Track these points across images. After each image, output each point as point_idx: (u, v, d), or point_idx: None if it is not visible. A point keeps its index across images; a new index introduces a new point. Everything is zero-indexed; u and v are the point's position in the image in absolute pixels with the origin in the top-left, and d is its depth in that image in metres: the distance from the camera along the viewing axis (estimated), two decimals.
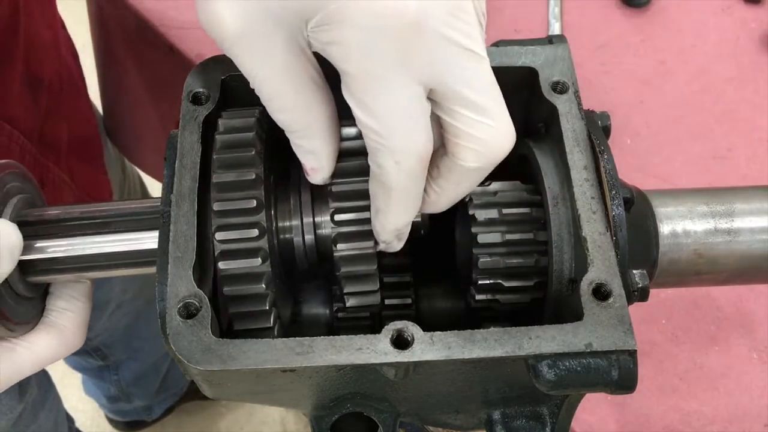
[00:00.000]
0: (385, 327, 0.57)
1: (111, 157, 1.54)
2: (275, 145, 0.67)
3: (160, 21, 1.29)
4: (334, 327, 0.74)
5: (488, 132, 0.56)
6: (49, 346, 0.68)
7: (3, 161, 0.66)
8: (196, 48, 1.26)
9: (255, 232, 0.60)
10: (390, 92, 0.54)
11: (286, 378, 0.59)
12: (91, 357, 1.89)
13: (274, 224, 0.65)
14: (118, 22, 1.39)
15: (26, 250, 0.63)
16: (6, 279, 0.62)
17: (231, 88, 0.67)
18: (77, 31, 1.31)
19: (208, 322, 0.57)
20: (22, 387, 1.23)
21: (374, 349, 0.56)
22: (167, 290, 0.59)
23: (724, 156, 1.20)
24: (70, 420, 1.59)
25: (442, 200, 0.62)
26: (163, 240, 0.61)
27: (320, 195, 0.66)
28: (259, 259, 0.60)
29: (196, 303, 0.58)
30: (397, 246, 0.64)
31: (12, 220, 0.64)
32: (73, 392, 2.30)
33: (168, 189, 0.63)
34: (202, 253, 0.62)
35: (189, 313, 0.58)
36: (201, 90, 0.66)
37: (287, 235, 0.66)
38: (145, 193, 1.78)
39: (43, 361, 0.68)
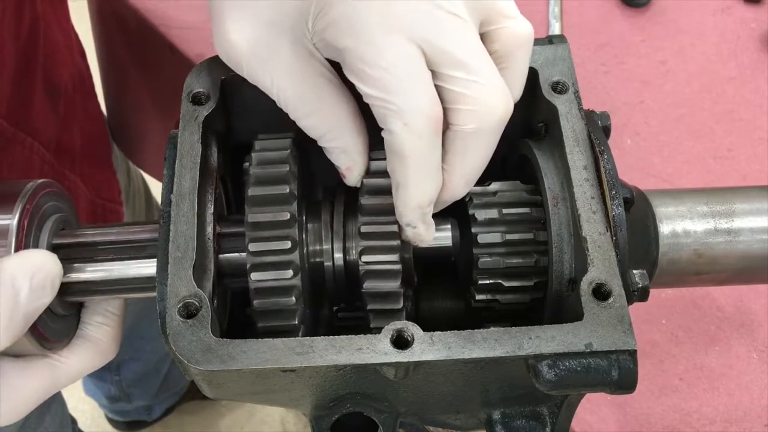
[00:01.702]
0: (385, 327, 0.57)
1: (117, 159, 1.54)
2: (306, 175, 0.68)
3: (160, 21, 1.29)
4: (334, 327, 0.74)
5: (480, 91, 0.57)
6: (85, 360, 0.68)
7: (40, 181, 0.66)
8: (197, 48, 1.26)
9: (287, 245, 0.61)
10: (384, 54, 0.56)
11: (286, 378, 0.58)
12: None
13: (305, 248, 0.66)
14: (118, 22, 1.39)
15: (64, 272, 0.63)
16: None
17: (231, 88, 0.68)
18: (78, 30, 1.31)
19: (208, 322, 0.57)
20: None
21: (374, 349, 0.56)
22: (167, 290, 0.59)
23: (724, 156, 1.20)
24: (73, 421, 1.59)
25: (454, 179, 0.60)
26: (163, 240, 0.61)
27: (351, 222, 0.66)
28: (291, 271, 0.61)
29: (196, 303, 0.58)
30: (425, 234, 0.62)
31: (49, 242, 0.65)
32: (73, 392, 2.30)
33: (168, 189, 0.63)
34: (202, 253, 0.62)
35: (189, 313, 0.58)
36: (201, 90, 0.66)
37: (317, 259, 0.66)
38: (149, 196, 1.78)
39: (79, 375, 0.68)
